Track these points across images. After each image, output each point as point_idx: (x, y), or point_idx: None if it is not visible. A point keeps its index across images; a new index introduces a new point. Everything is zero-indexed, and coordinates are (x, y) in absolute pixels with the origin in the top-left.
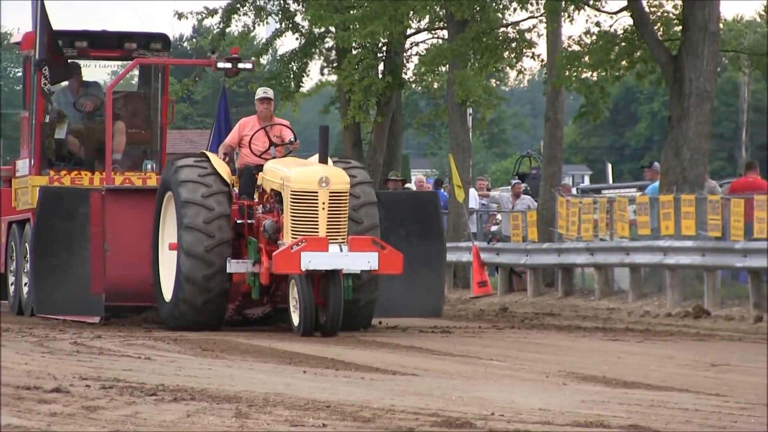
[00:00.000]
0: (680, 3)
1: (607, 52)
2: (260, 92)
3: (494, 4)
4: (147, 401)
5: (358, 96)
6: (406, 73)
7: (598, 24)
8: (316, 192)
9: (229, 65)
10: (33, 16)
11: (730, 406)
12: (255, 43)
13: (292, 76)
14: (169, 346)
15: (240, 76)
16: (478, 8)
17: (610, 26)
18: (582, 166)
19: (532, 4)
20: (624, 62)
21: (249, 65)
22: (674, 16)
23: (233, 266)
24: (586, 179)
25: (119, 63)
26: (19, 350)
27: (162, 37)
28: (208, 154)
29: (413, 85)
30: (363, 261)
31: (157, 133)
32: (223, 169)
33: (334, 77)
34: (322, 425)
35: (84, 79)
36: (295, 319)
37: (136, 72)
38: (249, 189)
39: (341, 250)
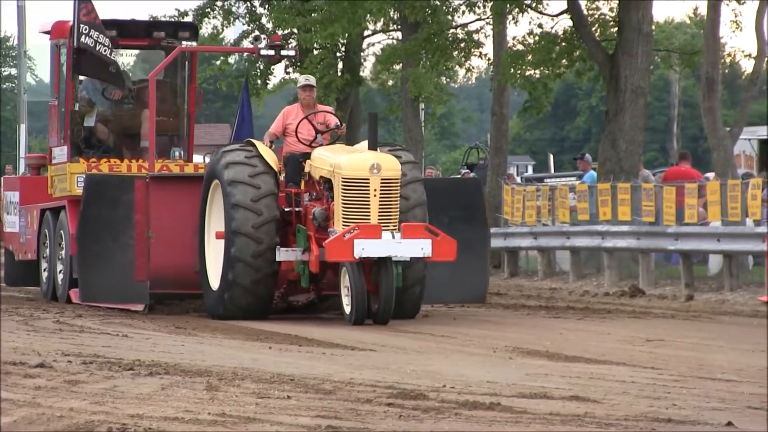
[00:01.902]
0: (616, 6)
1: (548, 51)
2: (302, 80)
3: (444, 7)
4: (124, 375)
5: (319, 92)
6: (363, 72)
7: (540, 25)
8: (368, 179)
9: (272, 52)
10: (73, 6)
11: (664, 379)
12: (224, 44)
13: (258, 74)
14: (145, 324)
15: (208, 74)
16: (429, 11)
17: (552, 28)
18: (526, 156)
19: (479, 7)
20: (564, 61)
21: (292, 52)
22: (610, 18)
23: (282, 254)
24: (530, 169)
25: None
26: (6, 328)
27: (191, 26)
28: (255, 141)
29: (370, 83)
30: (416, 248)
31: (184, 120)
32: (270, 157)
33: (297, 75)
34: (286, 397)
35: None
36: (347, 307)
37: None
38: (295, 177)
39: (394, 237)
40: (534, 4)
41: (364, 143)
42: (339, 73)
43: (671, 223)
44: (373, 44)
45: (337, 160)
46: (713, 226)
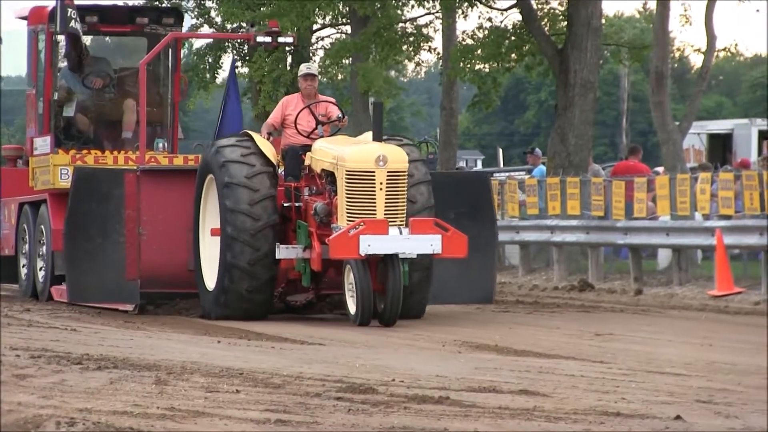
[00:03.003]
0: (565, 0)
1: (498, 45)
2: (303, 68)
3: (394, 1)
4: (73, 369)
5: (268, 86)
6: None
7: (490, 20)
8: (374, 171)
9: (268, 39)
10: None
11: (613, 372)
12: None
13: (207, 67)
14: (94, 319)
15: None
16: (378, 5)
17: (501, 22)
18: (475, 151)
19: (428, 1)
20: (514, 55)
21: (289, 39)
22: (560, 13)
23: (282, 252)
24: (479, 163)
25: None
26: None
27: (174, 12)
28: (252, 133)
29: (319, 77)
30: (426, 244)
31: (167, 110)
32: (268, 149)
33: (246, 69)
34: (235, 391)
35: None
36: (352, 306)
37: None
38: (295, 170)
39: (401, 232)
40: None
41: (368, 134)
42: (288, 67)
43: (620, 217)
44: (323, 38)
45: (340, 152)
46: (662, 221)
